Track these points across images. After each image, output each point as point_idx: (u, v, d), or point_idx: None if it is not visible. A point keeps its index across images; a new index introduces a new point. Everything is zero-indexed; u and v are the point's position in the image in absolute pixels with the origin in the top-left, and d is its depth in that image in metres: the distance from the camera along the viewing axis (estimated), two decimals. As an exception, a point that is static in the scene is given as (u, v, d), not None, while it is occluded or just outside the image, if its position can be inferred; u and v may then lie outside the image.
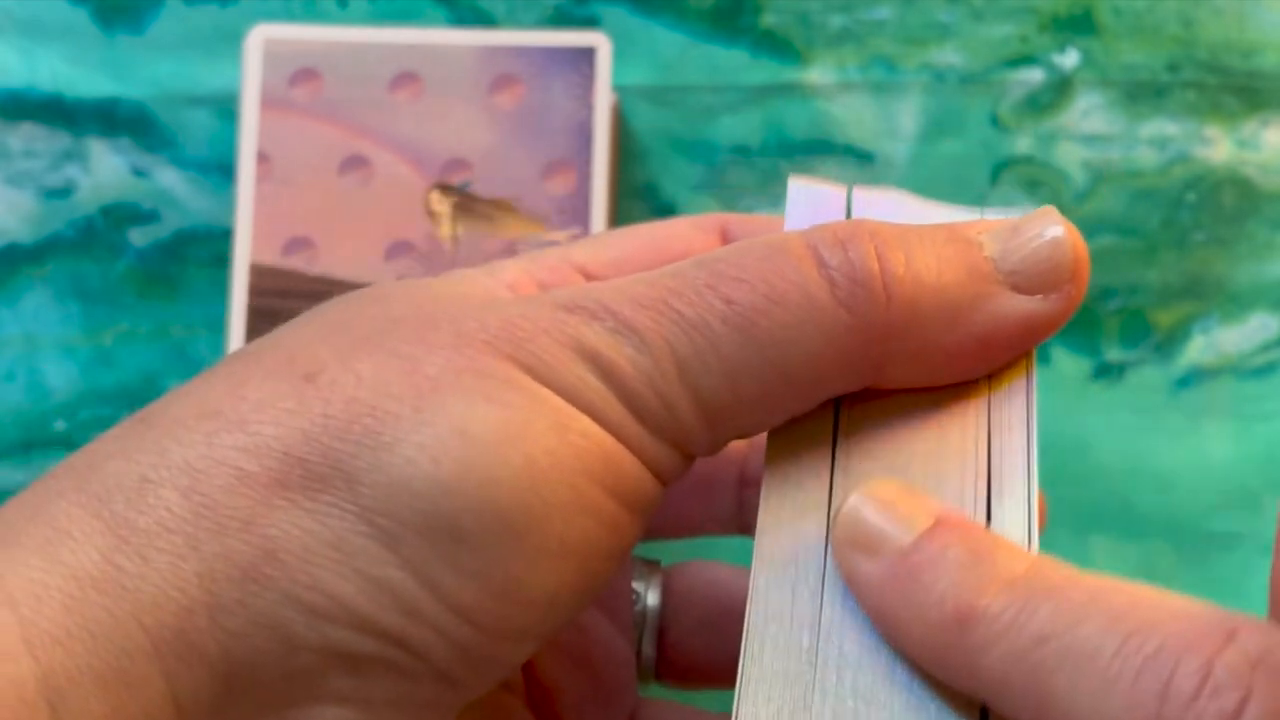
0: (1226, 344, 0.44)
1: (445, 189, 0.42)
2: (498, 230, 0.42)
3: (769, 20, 0.46)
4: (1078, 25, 0.45)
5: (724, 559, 0.37)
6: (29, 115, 0.45)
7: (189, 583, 0.25)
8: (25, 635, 0.24)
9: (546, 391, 0.26)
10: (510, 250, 0.42)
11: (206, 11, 0.46)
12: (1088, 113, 0.45)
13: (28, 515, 0.26)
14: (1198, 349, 0.44)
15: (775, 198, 0.45)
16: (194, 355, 0.44)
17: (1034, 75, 0.45)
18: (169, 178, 0.45)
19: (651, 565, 0.36)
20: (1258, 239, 0.44)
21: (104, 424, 0.43)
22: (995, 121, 0.45)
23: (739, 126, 0.45)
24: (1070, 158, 0.45)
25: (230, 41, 0.44)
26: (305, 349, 0.27)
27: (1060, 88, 0.45)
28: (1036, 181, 0.45)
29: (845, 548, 0.26)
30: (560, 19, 0.45)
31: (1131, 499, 0.43)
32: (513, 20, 0.45)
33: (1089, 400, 0.44)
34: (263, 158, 0.42)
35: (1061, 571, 0.24)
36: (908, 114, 0.45)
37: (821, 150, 0.45)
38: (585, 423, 0.26)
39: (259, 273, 0.41)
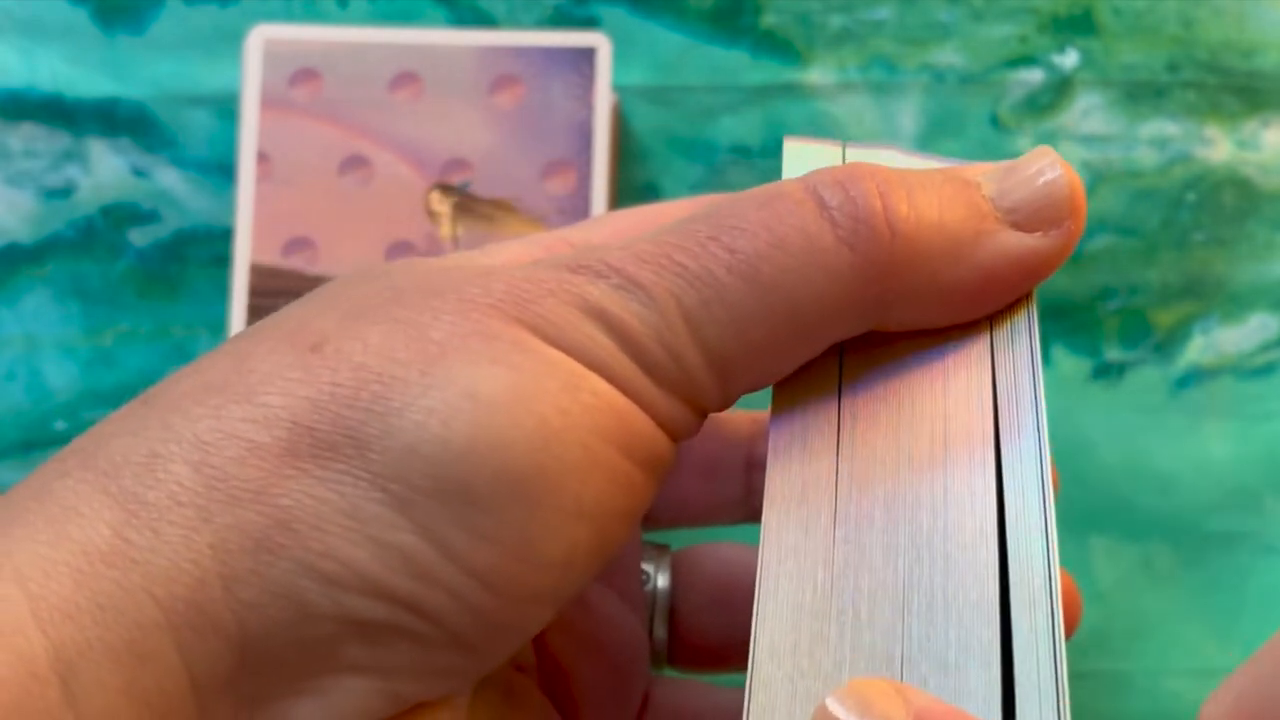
0: (1226, 344, 0.44)
1: (445, 189, 0.42)
2: (498, 230, 0.42)
3: (769, 20, 0.46)
4: (1078, 25, 0.45)
5: (734, 541, 0.37)
6: (29, 115, 0.45)
7: (202, 554, 0.25)
8: (34, 610, 0.24)
9: (555, 352, 0.26)
10: (510, 250, 0.42)
11: (206, 11, 0.46)
12: (1088, 113, 0.45)
13: (34, 495, 0.26)
14: (1198, 349, 0.44)
15: (775, 198, 0.45)
16: (194, 355, 0.44)
17: (1034, 75, 0.45)
18: (169, 178, 0.45)
19: (661, 548, 0.36)
20: (1258, 239, 0.44)
21: (104, 424, 0.43)
22: (995, 121, 0.45)
23: (739, 126, 0.45)
24: (1070, 158, 0.45)
25: (230, 41, 0.44)
26: (309, 322, 0.27)
27: (1060, 88, 0.45)
28: (1036, 181, 0.45)
29: None
30: (560, 19, 0.45)
31: (1131, 499, 0.43)
32: (513, 20, 0.45)
33: (1089, 400, 0.43)
34: (263, 158, 0.42)
35: None
36: (908, 114, 0.45)
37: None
38: (596, 381, 0.26)
39: (259, 273, 0.41)
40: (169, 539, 0.25)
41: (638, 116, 0.45)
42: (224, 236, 0.44)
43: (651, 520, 0.35)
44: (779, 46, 0.45)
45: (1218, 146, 0.45)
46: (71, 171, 0.45)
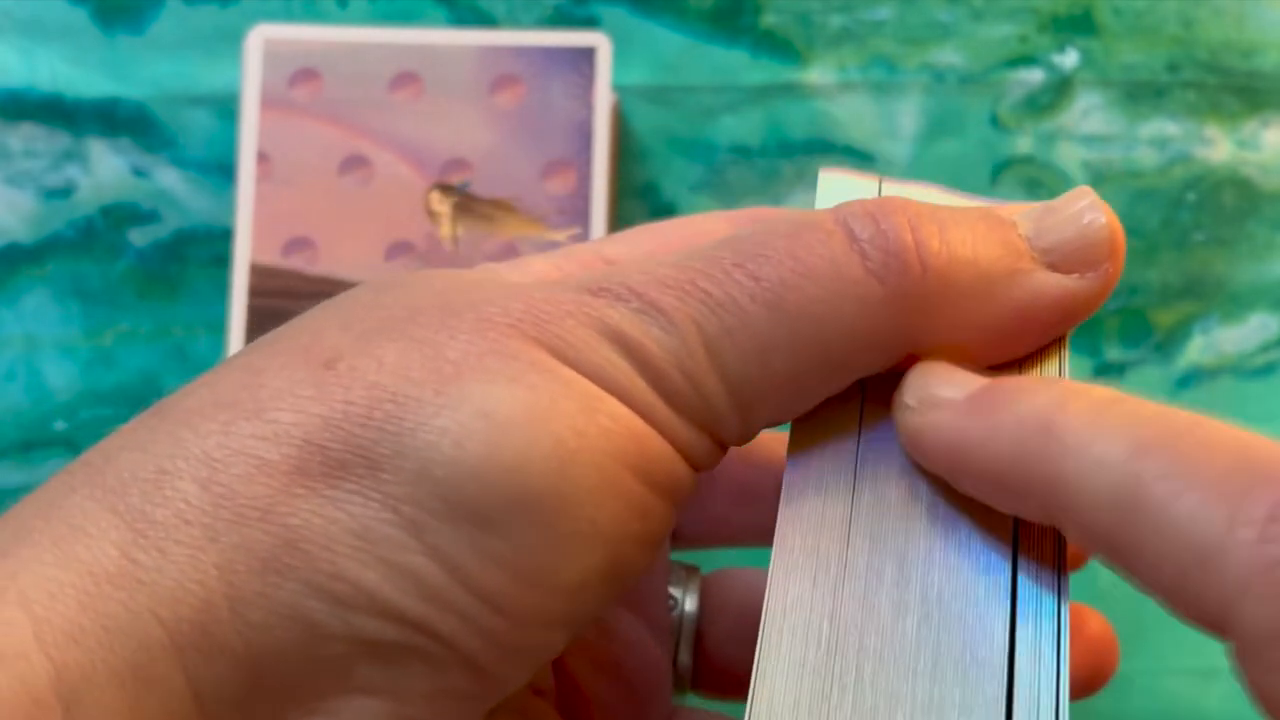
0: (1226, 344, 0.44)
1: (445, 189, 0.42)
2: (497, 230, 0.42)
3: (769, 20, 0.45)
4: (1078, 25, 0.45)
5: (765, 567, 0.36)
6: (29, 115, 0.45)
7: (208, 575, 0.25)
8: (38, 633, 0.24)
9: (572, 373, 0.26)
10: (510, 250, 0.41)
11: (206, 11, 0.46)
12: (1088, 113, 0.45)
13: (41, 512, 0.25)
14: (1198, 349, 0.44)
15: (775, 198, 0.45)
16: (194, 355, 0.44)
17: (1034, 75, 0.45)
18: (169, 178, 0.45)
19: (691, 570, 0.35)
20: (1258, 239, 0.44)
21: (104, 424, 0.43)
22: (995, 121, 0.45)
23: (739, 126, 0.45)
24: (1070, 158, 0.45)
25: (230, 41, 0.44)
26: (322, 337, 0.27)
27: (1060, 88, 0.45)
28: (1036, 182, 0.45)
29: (913, 409, 0.26)
30: (560, 19, 0.45)
31: (1131, 499, 0.43)
32: (513, 20, 0.45)
33: (1089, 400, 0.43)
34: (263, 158, 0.42)
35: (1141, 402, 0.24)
36: (908, 114, 0.45)
37: (821, 150, 0.45)
38: (613, 404, 0.26)
39: (259, 273, 0.41)
40: (175, 559, 0.25)
41: (638, 116, 0.45)
42: (224, 236, 0.44)
43: (683, 541, 0.35)
44: (779, 46, 0.45)
45: (1218, 146, 0.45)
46: (71, 171, 0.45)
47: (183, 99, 0.45)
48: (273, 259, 0.42)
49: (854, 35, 0.45)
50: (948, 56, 0.45)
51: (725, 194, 0.45)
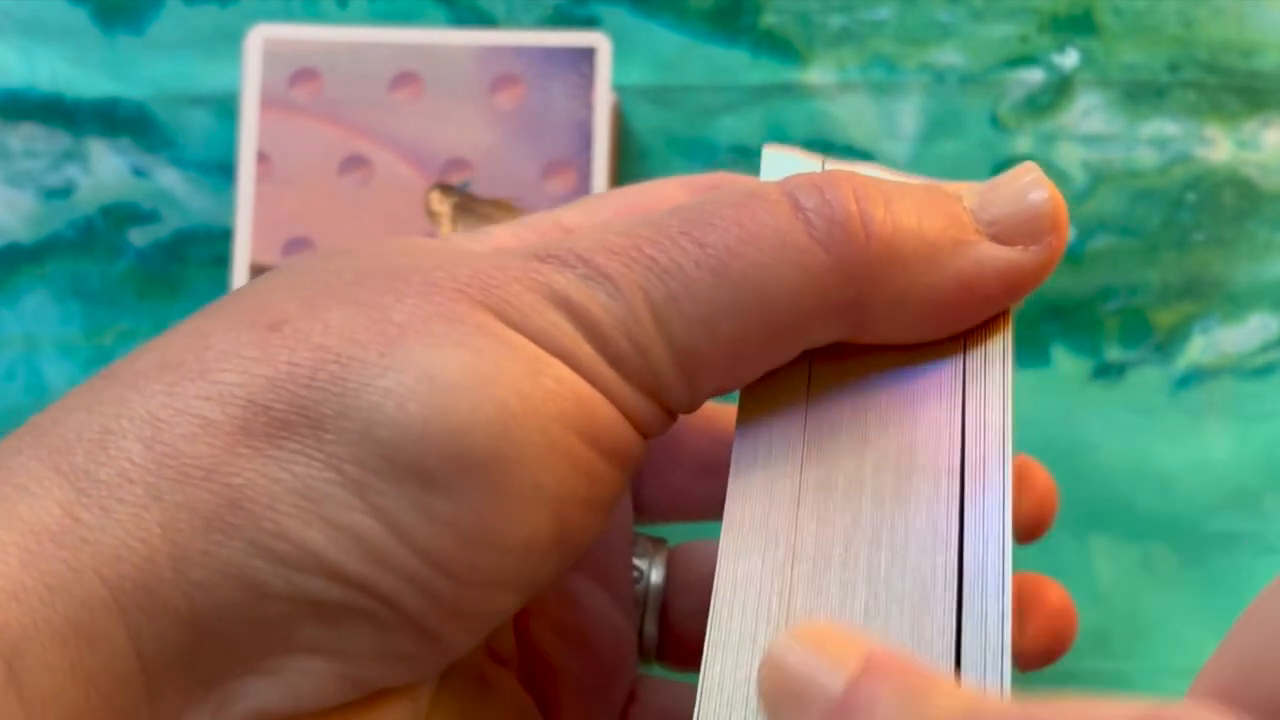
0: (1226, 344, 0.44)
1: (445, 189, 0.42)
2: (498, 230, 0.42)
3: (769, 20, 0.46)
4: (1078, 25, 0.45)
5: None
6: (29, 115, 0.45)
7: (151, 533, 0.25)
8: None
9: (518, 336, 0.26)
10: (510, 250, 0.42)
11: (206, 11, 0.46)
12: (1088, 113, 0.45)
13: None
14: (1198, 349, 0.44)
15: (775, 198, 0.45)
16: (194, 355, 0.44)
17: (1034, 75, 0.45)
18: (169, 178, 0.45)
19: (658, 543, 0.36)
20: (1258, 239, 0.44)
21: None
22: (995, 121, 0.45)
23: (739, 126, 0.45)
24: (1070, 158, 0.45)
25: (230, 41, 0.44)
26: (270, 302, 0.27)
27: (1060, 88, 0.45)
28: (1036, 181, 0.45)
29: (775, 698, 0.23)
30: (560, 19, 0.45)
31: (1131, 499, 0.43)
32: (513, 20, 0.45)
33: (1089, 400, 0.43)
34: (263, 158, 0.42)
35: (996, 706, 0.23)
36: (908, 114, 0.45)
37: (821, 150, 0.45)
38: (558, 367, 0.26)
39: (259, 273, 0.41)
40: (119, 517, 0.25)
41: (638, 116, 0.45)
42: (224, 236, 0.44)
43: (647, 514, 0.35)
44: (779, 46, 0.45)
45: (1218, 146, 0.45)
46: (71, 171, 0.45)
47: (183, 99, 0.45)
48: (272, 259, 0.42)
49: (854, 35, 0.45)
50: (948, 56, 0.45)
51: (725, 194, 0.45)
